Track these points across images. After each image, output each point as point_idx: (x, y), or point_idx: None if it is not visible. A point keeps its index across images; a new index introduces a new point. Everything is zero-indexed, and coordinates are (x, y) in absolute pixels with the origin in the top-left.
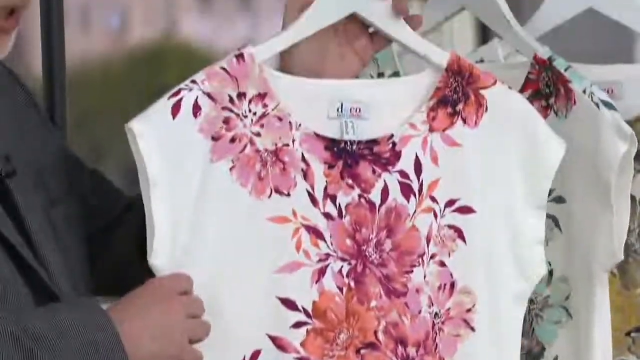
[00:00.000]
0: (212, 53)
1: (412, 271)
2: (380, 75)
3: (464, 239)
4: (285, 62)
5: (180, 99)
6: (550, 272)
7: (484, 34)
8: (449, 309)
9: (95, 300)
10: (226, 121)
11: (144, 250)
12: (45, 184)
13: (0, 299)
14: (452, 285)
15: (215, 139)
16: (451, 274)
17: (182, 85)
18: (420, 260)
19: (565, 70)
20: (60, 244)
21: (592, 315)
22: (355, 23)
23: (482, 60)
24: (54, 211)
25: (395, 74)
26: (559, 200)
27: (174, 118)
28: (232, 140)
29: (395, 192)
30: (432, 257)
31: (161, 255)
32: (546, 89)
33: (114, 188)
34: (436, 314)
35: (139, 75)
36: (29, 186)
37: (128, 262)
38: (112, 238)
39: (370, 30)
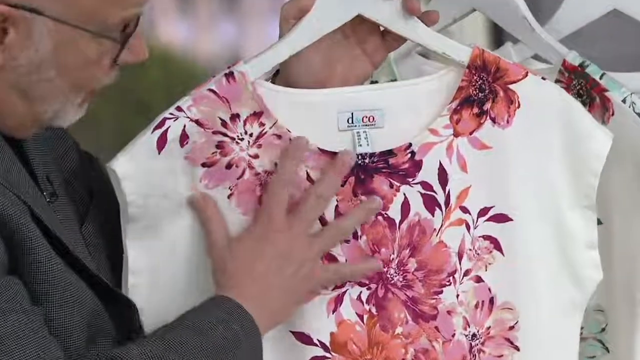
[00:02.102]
0: (193, 59)
1: (441, 291)
2: (374, 83)
3: (501, 250)
4: (287, 73)
5: (166, 131)
6: None
7: (497, 38)
8: (488, 328)
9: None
10: (220, 146)
11: None
12: (75, 200)
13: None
14: (491, 301)
15: (207, 165)
16: (489, 290)
17: (166, 114)
18: (452, 278)
19: (601, 77)
20: (94, 263)
21: (634, 350)
22: (364, 23)
23: None
24: (84, 229)
25: (392, 82)
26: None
27: (159, 152)
28: (229, 166)
29: (417, 206)
30: (465, 273)
31: (138, 294)
32: (579, 98)
33: None
34: (474, 335)
35: (114, 84)
36: (66, 207)
37: None
38: None
39: (382, 28)
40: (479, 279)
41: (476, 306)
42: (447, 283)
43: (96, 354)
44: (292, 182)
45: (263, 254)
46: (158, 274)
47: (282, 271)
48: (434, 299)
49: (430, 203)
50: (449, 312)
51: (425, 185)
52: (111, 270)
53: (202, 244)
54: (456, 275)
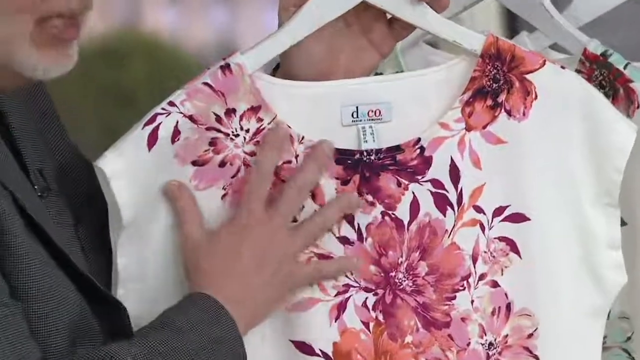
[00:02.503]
0: (181, 48)
1: (454, 297)
2: (379, 75)
3: (518, 252)
4: (287, 64)
5: (157, 127)
6: None
7: (512, 26)
8: (506, 336)
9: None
10: (213, 143)
11: None
12: (70, 199)
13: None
14: (508, 307)
15: (198, 164)
16: (506, 295)
17: (158, 109)
18: (465, 283)
19: (625, 67)
20: (88, 265)
21: None
22: (370, 10)
23: None
24: (79, 229)
25: (399, 73)
26: (620, 223)
27: (150, 149)
28: (222, 164)
29: (427, 206)
30: (481, 277)
31: (128, 302)
32: (601, 89)
33: None
34: (490, 343)
35: (95, 75)
36: (60, 203)
37: None
38: None
39: (389, 16)
40: (495, 284)
41: (492, 313)
42: (461, 288)
43: (86, 353)
44: (271, 174)
45: (241, 250)
46: (149, 282)
47: (262, 268)
48: (446, 305)
49: (442, 202)
50: (463, 319)
51: (436, 183)
52: (108, 275)
53: None
54: (470, 280)
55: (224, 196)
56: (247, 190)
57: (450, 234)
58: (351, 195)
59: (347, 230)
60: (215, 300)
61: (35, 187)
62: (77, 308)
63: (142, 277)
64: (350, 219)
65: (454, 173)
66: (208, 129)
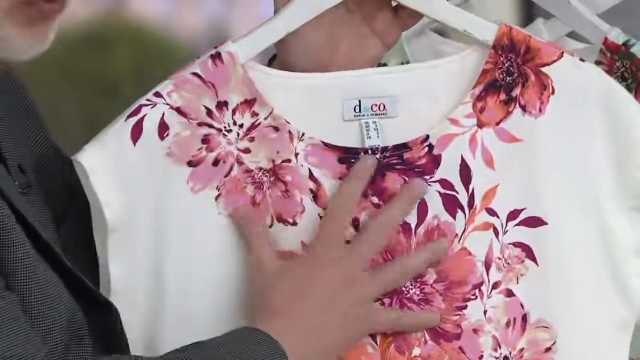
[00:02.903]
0: (170, 36)
1: (465, 306)
2: (383, 66)
3: (534, 259)
4: (283, 54)
5: (142, 119)
6: None
7: (527, 13)
8: (522, 350)
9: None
10: (206, 140)
11: None
12: (51, 198)
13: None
14: (524, 318)
15: (193, 164)
16: (522, 305)
17: (142, 101)
18: (477, 292)
19: None
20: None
21: None
22: None
23: None
24: (60, 227)
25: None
26: None
27: (134, 143)
28: (215, 162)
29: (436, 208)
30: (494, 286)
31: (123, 315)
32: (622, 82)
33: None
34: (505, 357)
35: (77, 63)
36: (40, 200)
37: None
38: None
39: (394, 3)
40: (509, 293)
41: (507, 324)
42: (472, 297)
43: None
44: (355, 207)
45: (312, 285)
46: (138, 297)
47: (332, 308)
48: (457, 315)
49: (451, 204)
50: (475, 331)
51: (445, 183)
52: (91, 279)
53: (194, 267)
54: (483, 288)
55: (217, 197)
56: (326, 221)
57: (460, 238)
58: (440, 242)
59: (351, 234)
60: (271, 338)
61: (16, 182)
62: (70, 308)
63: (130, 291)
64: (355, 223)
65: (465, 173)
66: (200, 124)
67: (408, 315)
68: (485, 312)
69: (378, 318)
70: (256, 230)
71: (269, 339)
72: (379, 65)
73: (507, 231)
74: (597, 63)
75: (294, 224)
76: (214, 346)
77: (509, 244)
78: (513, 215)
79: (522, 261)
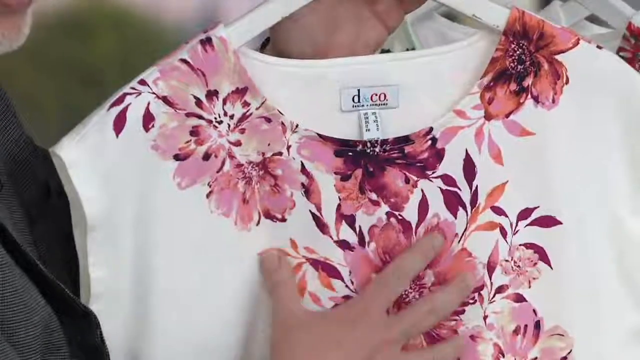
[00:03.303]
0: (156, 21)
1: (462, 311)
2: (386, 52)
3: (548, 262)
4: (278, 40)
5: (125, 108)
6: None
7: None
8: (534, 359)
9: None
10: (195, 132)
11: None
12: (24, 196)
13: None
14: (537, 325)
15: (180, 158)
16: (534, 311)
17: (126, 89)
18: (477, 295)
19: None
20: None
21: None
22: None
23: None
24: (34, 230)
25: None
26: None
27: (117, 135)
28: (206, 156)
29: (436, 205)
30: (498, 290)
31: (107, 322)
32: None
33: None
34: None
35: (57, 50)
36: (12, 200)
37: None
38: None
39: None
40: (519, 298)
41: (516, 332)
42: (471, 301)
43: None
44: (409, 281)
45: (343, 343)
46: (121, 302)
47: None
48: (454, 320)
49: (452, 201)
50: (472, 337)
51: (447, 179)
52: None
53: (183, 270)
54: (483, 292)
55: (209, 194)
56: (376, 284)
57: (460, 238)
58: (463, 287)
59: (347, 234)
60: None
61: None
62: (46, 316)
63: (115, 293)
64: (351, 221)
65: (469, 168)
66: (188, 115)
67: (439, 351)
68: (485, 317)
69: None
70: (282, 279)
71: None
72: (382, 51)
73: (517, 231)
74: (620, 50)
75: (283, 220)
76: None
77: (520, 245)
78: (524, 214)
79: (535, 264)
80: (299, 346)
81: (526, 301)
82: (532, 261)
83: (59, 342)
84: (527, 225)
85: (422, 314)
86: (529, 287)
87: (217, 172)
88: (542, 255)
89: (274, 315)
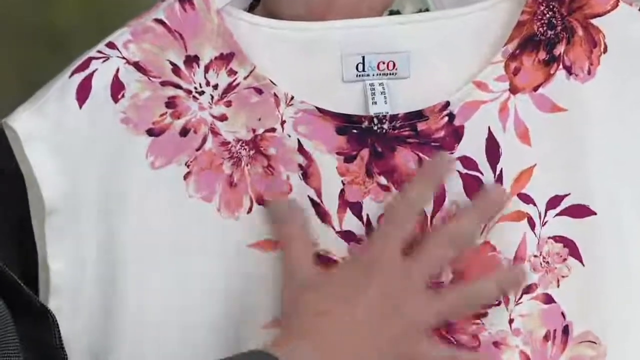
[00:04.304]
0: None
1: (485, 314)
2: (395, 14)
3: (579, 258)
4: None
5: (91, 75)
6: None
7: None
8: None
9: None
10: (171, 103)
11: None
12: None
13: None
14: (565, 330)
15: (154, 133)
16: (563, 314)
17: (92, 53)
18: (502, 296)
19: None
20: None
21: None
22: None
23: None
24: None
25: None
26: None
27: (80, 106)
28: (184, 132)
29: (455, 192)
30: (527, 290)
31: (67, 320)
32: None
33: None
34: None
35: (18, 14)
36: None
37: None
38: None
39: None
40: (548, 299)
41: (546, 337)
42: (495, 303)
43: None
44: (420, 212)
45: (360, 302)
46: (85, 297)
47: (379, 333)
48: (475, 324)
49: (474, 187)
50: (495, 344)
51: (467, 162)
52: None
53: (155, 260)
54: None
55: (187, 175)
56: (385, 224)
57: (483, 230)
58: (515, 275)
59: (351, 223)
60: None
61: None
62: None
63: (78, 286)
64: (356, 208)
65: (493, 149)
66: (163, 83)
67: (465, 355)
68: (511, 321)
69: (429, 353)
70: (293, 231)
71: None
72: (390, 13)
73: (546, 222)
74: None
75: (261, 203)
76: None
77: (549, 238)
78: (554, 202)
79: (565, 259)
80: (306, 308)
81: (555, 302)
82: (561, 257)
83: (10, 344)
84: (556, 215)
85: (439, 247)
86: (558, 286)
87: (197, 150)
88: (573, 249)
89: (284, 272)
